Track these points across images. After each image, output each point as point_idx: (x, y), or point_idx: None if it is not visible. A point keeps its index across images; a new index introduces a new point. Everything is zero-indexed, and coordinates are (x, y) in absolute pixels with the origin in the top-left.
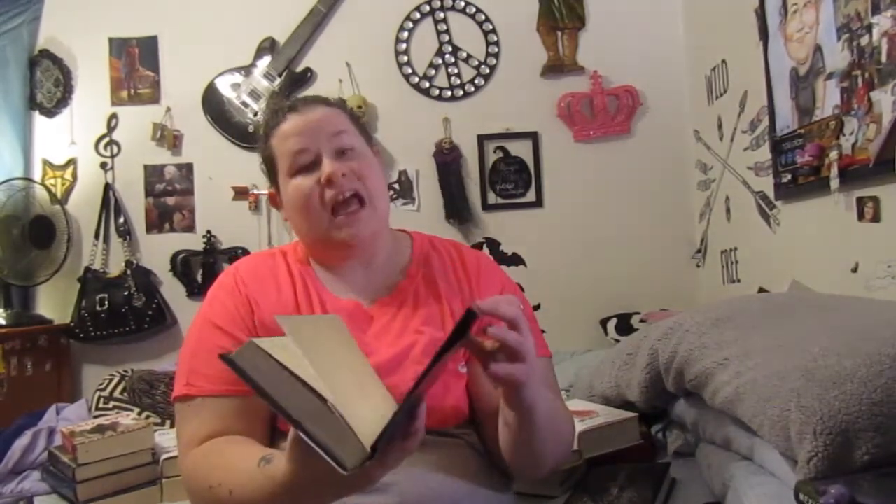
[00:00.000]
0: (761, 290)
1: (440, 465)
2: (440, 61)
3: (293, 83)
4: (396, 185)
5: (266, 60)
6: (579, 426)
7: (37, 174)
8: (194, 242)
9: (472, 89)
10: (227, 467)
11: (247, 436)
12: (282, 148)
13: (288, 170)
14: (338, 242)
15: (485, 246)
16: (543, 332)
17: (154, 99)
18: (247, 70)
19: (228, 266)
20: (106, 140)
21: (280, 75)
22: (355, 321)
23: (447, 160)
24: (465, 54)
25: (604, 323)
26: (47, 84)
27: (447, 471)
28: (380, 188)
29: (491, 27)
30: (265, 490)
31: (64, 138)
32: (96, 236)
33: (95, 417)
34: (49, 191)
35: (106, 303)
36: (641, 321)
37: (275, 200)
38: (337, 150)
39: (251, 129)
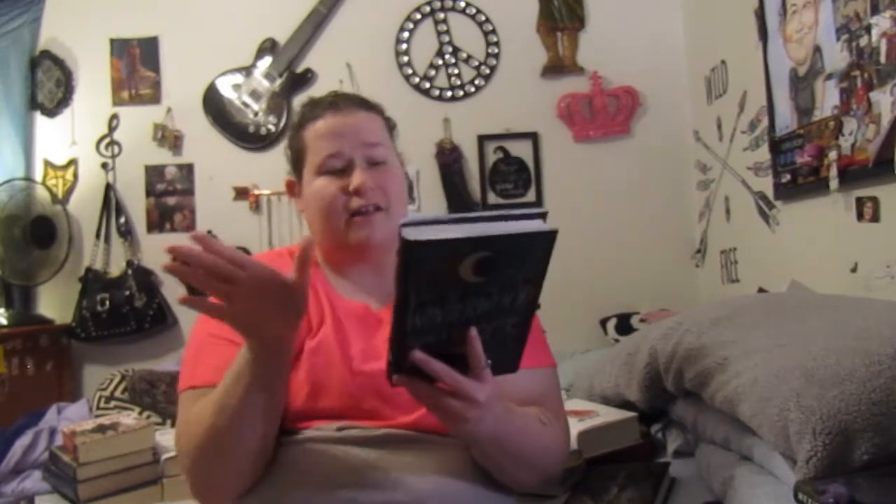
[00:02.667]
0: (761, 290)
1: (445, 465)
2: (440, 62)
3: (294, 84)
4: None
5: (267, 61)
6: (579, 426)
7: (38, 174)
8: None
9: (473, 89)
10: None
11: None
12: (314, 145)
13: (316, 168)
14: (352, 245)
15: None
16: (543, 332)
17: (155, 99)
18: (247, 70)
19: None
20: (107, 140)
21: (281, 76)
22: (365, 325)
23: (448, 160)
24: (465, 55)
25: (604, 323)
26: (48, 84)
27: (452, 471)
28: (400, 198)
29: (491, 27)
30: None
31: (65, 138)
32: (97, 236)
33: (96, 417)
34: (50, 191)
35: (107, 303)
36: (641, 321)
37: (293, 190)
38: (369, 161)
39: (251, 129)
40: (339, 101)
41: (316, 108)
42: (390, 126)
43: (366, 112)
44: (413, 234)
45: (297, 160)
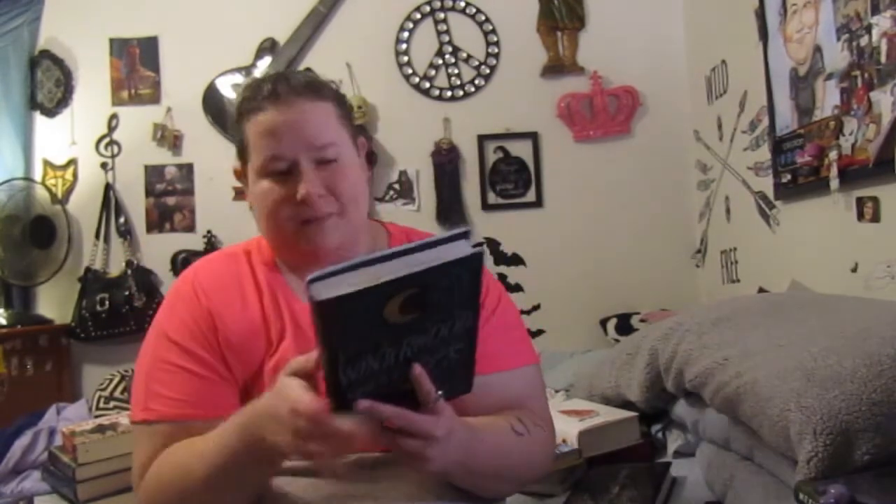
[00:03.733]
0: (761, 290)
1: (421, 487)
2: (440, 61)
3: None
4: (397, 186)
5: (266, 61)
6: (579, 426)
7: (37, 174)
8: (195, 242)
9: (472, 89)
10: (193, 445)
11: None
12: (255, 143)
13: (258, 170)
14: (303, 251)
15: (485, 246)
16: (543, 331)
17: (154, 99)
18: (247, 70)
19: (186, 270)
20: (106, 140)
21: None
22: None
23: (444, 161)
24: (465, 54)
25: (604, 323)
26: (48, 84)
27: (428, 491)
28: (356, 197)
29: (491, 27)
30: (233, 429)
31: (64, 138)
32: (97, 236)
33: (96, 417)
34: (50, 191)
35: (106, 303)
36: (641, 321)
37: (239, 176)
38: (317, 161)
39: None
40: (280, 92)
41: (256, 97)
42: (343, 110)
43: (312, 102)
44: (324, 291)
45: (240, 153)
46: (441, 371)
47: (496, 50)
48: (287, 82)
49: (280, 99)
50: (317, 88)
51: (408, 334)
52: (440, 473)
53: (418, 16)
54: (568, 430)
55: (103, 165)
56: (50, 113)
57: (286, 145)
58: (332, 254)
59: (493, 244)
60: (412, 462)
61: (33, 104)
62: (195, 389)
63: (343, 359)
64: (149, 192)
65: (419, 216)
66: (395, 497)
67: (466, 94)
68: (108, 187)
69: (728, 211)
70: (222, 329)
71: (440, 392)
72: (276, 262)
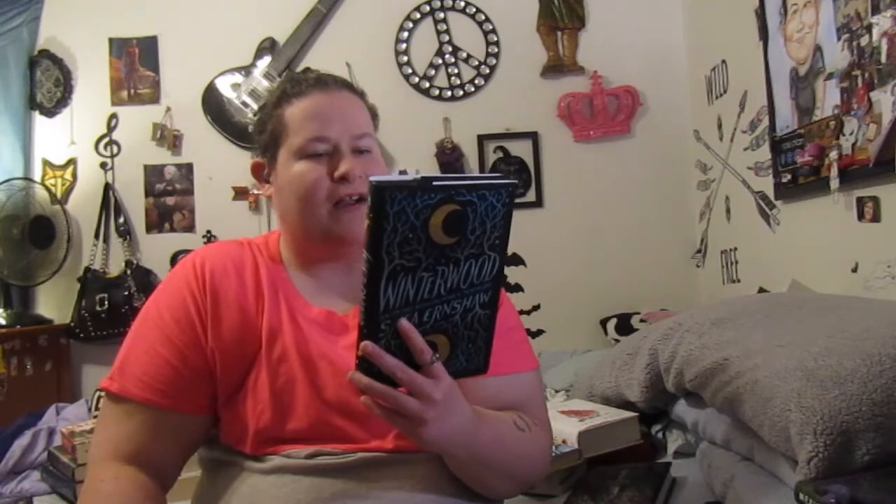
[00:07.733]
0: (761, 290)
1: (427, 482)
2: (440, 61)
3: None
4: None
5: (266, 60)
6: (579, 426)
7: (37, 174)
8: (194, 242)
9: (472, 89)
10: None
11: (157, 456)
12: (297, 125)
13: (297, 150)
14: (334, 237)
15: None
16: (543, 331)
17: (154, 99)
18: (247, 70)
19: (191, 254)
20: (106, 140)
21: (280, 75)
22: (329, 329)
23: (450, 160)
24: (465, 54)
25: (604, 323)
26: (47, 84)
27: (430, 487)
28: None
29: (491, 27)
30: None
31: (64, 138)
32: (96, 236)
33: (95, 417)
34: (49, 191)
35: (106, 303)
36: (641, 321)
37: (260, 172)
38: (354, 149)
39: (251, 128)
40: (325, 79)
41: (299, 84)
42: (373, 114)
43: (352, 95)
44: (384, 182)
45: (271, 141)
46: (466, 326)
47: (496, 50)
48: (329, 75)
49: (327, 86)
50: (354, 87)
51: (445, 262)
52: (438, 446)
53: (418, 15)
54: (568, 431)
55: (103, 165)
56: (49, 113)
57: (331, 128)
58: (356, 244)
59: None
60: (407, 425)
61: (32, 104)
62: (169, 379)
63: (387, 271)
64: (148, 191)
65: None
66: (397, 490)
67: (466, 94)
68: (108, 187)
69: (728, 211)
70: (214, 311)
71: (462, 359)
72: (282, 258)
